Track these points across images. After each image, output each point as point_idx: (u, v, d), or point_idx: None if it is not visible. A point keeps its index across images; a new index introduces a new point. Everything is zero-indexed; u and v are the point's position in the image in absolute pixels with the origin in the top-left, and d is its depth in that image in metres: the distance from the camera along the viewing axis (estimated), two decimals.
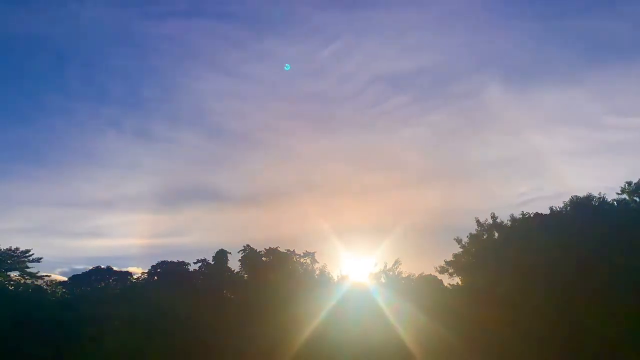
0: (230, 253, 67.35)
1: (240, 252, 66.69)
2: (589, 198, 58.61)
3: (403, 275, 65.66)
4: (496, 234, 61.71)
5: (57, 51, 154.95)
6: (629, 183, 58.16)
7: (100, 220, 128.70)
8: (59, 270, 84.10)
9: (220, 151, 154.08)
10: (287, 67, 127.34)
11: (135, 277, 70.89)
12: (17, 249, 66.71)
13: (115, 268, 73.61)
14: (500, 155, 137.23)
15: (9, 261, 65.98)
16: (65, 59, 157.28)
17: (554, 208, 60.04)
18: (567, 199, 60.03)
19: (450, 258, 63.49)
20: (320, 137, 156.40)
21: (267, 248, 66.38)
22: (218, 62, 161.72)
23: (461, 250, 62.72)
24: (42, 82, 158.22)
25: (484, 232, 62.07)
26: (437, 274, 64.55)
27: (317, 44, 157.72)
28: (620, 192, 58.84)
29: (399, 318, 55.13)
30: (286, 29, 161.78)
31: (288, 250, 66.82)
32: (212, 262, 66.46)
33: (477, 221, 62.64)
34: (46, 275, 69.03)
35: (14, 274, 66.75)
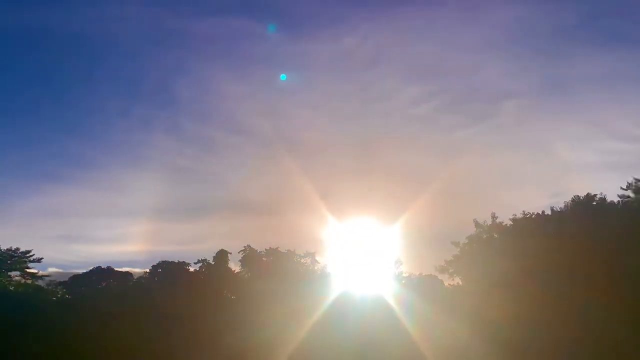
0: (230, 253, 67.59)
1: (241, 253, 66.87)
2: (589, 198, 58.39)
3: (404, 275, 65.82)
4: (496, 235, 61.49)
5: (91, 51, 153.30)
6: (637, 179, 57.51)
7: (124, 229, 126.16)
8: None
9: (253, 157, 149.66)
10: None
11: (135, 277, 70.96)
12: (17, 249, 66.77)
13: (115, 268, 73.72)
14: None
15: (9, 261, 66.03)
16: (98, 59, 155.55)
17: (555, 208, 59.94)
18: None
19: (450, 258, 63.44)
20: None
21: (268, 248, 66.58)
22: (251, 62, 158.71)
23: (460, 251, 62.55)
24: (75, 81, 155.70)
25: (483, 233, 61.84)
26: (437, 273, 64.59)
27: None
28: (625, 188, 58.33)
29: (400, 318, 55.04)
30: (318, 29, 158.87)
31: (288, 250, 66.98)
32: (213, 263, 66.56)
33: (475, 222, 62.40)
34: (46, 276, 69.17)
35: (14, 274, 66.85)
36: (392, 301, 57.71)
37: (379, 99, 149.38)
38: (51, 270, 73.15)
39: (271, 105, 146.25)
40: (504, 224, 61.72)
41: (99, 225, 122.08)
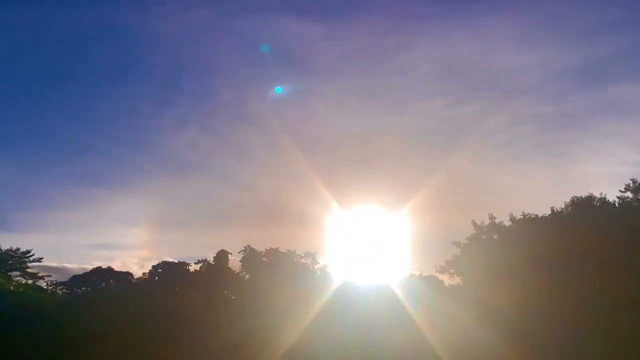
0: (231, 253, 67.56)
1: (241, 253, 66.86)
2: (590, 198, 58.46)
3: (405, 275, 65.90)
4: (495, 235, 61.50)
5: (130, 52, 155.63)
6: (634, 181, 57.77)
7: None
8: None
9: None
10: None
11: (135, 277, 71.02)
12: (17, 249, 66.96)
13: (115, 268, 73.78)
14: None
15: (9, 262, 66.07)
16: (136, 60, 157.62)
17: (555, 208, 59.96)
18: None
19: (450, 258, 63.48)
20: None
21: (268, 248, 66.58)
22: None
23: (460, 251, 62.58)
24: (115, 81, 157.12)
25: (483, 234, 61.84)
26: (437, 274, 64.66)
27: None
28: (623, 190, 58.52)
29: (400, 318, 55.04)
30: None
31: (289, 250, 67.00)
32: (213, 263, 66.55)
33: (474, 223, 62.38)
34: (47, 276, 69.19)
35: (14, 275, 66.83)
36: (393, 301, 57.67)
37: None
38: None
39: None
40: (503, 224, 61.74)
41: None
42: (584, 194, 58.91)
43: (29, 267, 67.33)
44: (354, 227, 78.10)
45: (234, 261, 67.11)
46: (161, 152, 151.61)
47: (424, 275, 66.09)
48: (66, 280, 71.31)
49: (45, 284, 68.25)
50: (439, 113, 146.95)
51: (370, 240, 75.73)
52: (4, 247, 66.14)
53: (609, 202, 58.01)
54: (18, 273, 66.77)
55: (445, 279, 64.34)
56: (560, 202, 60.06)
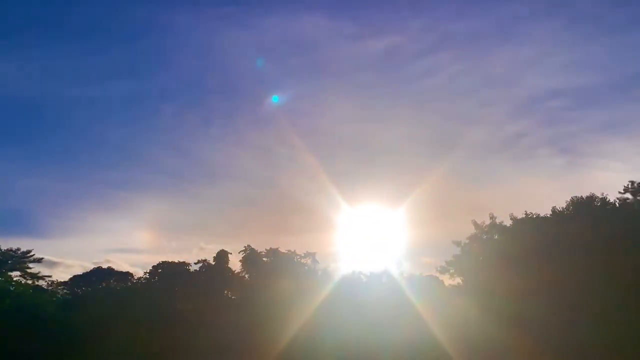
0: (231, 253, 67.53)
1: (241, 253, 66.83)
2: (591, 198, 58.33)
3: (404, 275, 65.73)
4: (496, 235, 61.35)
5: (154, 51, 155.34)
6: (632, 182, 57.76)
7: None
8: None
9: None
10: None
11: (136, 277, 70.97)
12: (18, 249, 66.82)
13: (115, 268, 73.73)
14: None
15: (9, 262, 66.01)
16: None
17: (556, 208, 59.81)
18: None
19: (450, 258, 63.35)
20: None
21: (268, 248, 66.55)
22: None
23: (461, 251, 62.45)
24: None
25: (483, 234, 61.71)
26: (437, 274, 64.52)
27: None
28: (622, 192, 58.47)
29: (401, 318, 54.97)
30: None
31: (289, 250, 67.00)
32: (213, 263, 66.50)
33: (474, 223, 62.27)
34: (47, 276, 69.13)
35: (15, 275, 66.81)
36: (393, 301, 57.58)
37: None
38: None
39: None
40: (503, 224, 61.61)
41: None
42: (584, 193, 58.93)
43: (29, 267, 67.26)
44: (361, 223, 78.80)
45: (234, 261, 67.18)
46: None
47: (424, 275, 65.99)
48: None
49: (45, 284, 68.21)
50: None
51: (375, 237, 76.30)
52: (4, 248, 66.19)
53: (609, 202, 57.91)
54: (18, 273, 66.72)
55: (446, 279, 64.30)
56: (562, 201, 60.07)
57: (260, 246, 67.14)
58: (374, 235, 77.43)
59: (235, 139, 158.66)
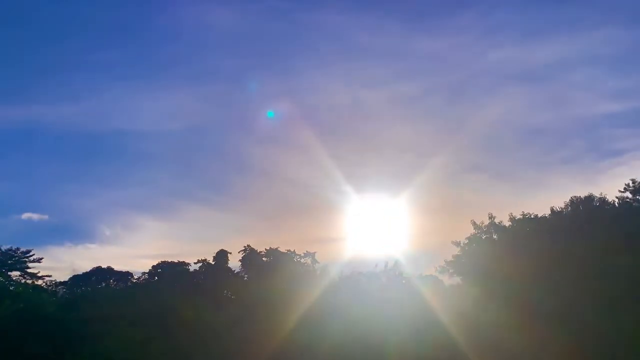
0: (230, 253, 67.59)
1: (241, 253, 66.93)
2: (590, 198, 58.43)
3: (404, 275, 65.77)
4: (495, 235, 61.42)
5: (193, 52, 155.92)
6: (633, 181, 57.74)
7: None
8: None
9: None
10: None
11: (135, 277, 71.08)
12: (17, 249, 66.90)
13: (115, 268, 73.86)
14: None
15: (9, 261, 66.05)
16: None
17: (555, 208, 59.94)
18: None
19: (450, 258, 63.41)
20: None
21: (268, 248, 66.65)
22: None
23: (460, 251, 62.53)
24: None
25: (482, 234, 61.78)
26: (437, 274, 64.57)
27: None
28: (622, 190, 58.45)
29: (401, 318, 55.01)
30: None
31: (289, 250, 67.11)
32: (213, 263, 66.58)
33: (473, 223, 62.36)
34: (47, 276, 69.16)
35: (14, 274, 66.85)
36: (393, 301, 57.63)
37: None
38: None
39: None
40: (502, 224, 61.68)
41: None
42: (583, 193, 59.04)
43: (29, 267, 67.33)
44: (366, 212, 79.08)
45: (234, 261, 67.29)
46: None
47: (424, 275, 66.11)
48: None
49: (45, 284, 68.25)
50: None
51: (377, 227, 76.51)
52: (4, 247, 66.24)
53: (608, 202, 57.99)
54: (18, 273, 66.75)
55: (445, 279, 64.38)
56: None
57: (260, 246, 67.36)
58: (376, 227, 77.65)
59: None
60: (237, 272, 66.86)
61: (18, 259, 66.64)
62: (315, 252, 67.45)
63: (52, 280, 69.45)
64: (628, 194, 57.76)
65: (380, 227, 77.67)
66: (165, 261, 67.79)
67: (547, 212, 60.18)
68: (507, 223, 61.21)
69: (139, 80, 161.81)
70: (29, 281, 66.88)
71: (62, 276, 71.83)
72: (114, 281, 71.14)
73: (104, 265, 73.92)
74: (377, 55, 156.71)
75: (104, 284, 70.85)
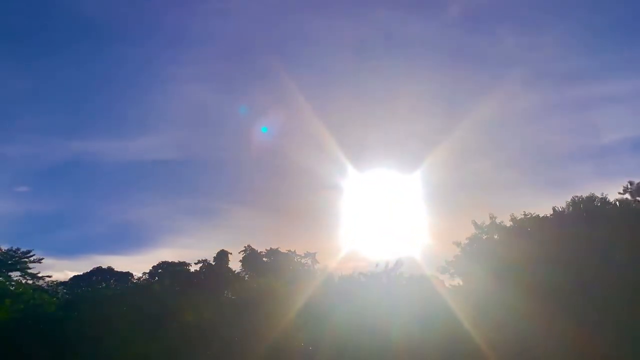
0: (231, 253, 67.58)
1: (241, 253, 66.91)
2: (591, 198, 58.31)
3: (405, 276, 65.64)
4: (496, 235, 61.29)
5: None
6: (631, 183, 57.78)
7: None
8: None
9: None
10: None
11: (136, 277, 71.04)
12: (18, 249, 66.83)
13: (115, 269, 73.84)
14: None
15: (9, 262, 66.02)
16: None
17: (556, 208, 59.81)
18: None
19: (451, 258, 63.31)
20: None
21: (268, 249, 66.67)
22: None
23: (461, 251, 62.41)
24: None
25: (483, 234, 61.66)
26: (438, 274, 64.43)
27: None
28: (622, 192, 58.46)
29: (401, 319, 54.92)
30: None
31: (289, 250, 67.10)
32: (213, 263, 66.56)
33: (474, 223, 62.22)
34: (47, 276, 69.15)
35: (15, 275, 66.83)
36: (393, 302, 57.52)
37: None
38: None
39: None
40: (503, 224, 61.55)
41: None
42: (585, 193, 58.91)
43: (29, 267, 67.26)
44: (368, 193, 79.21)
45: (234, 261, 67.28)
46: None
47: (424, 275, 65.90)
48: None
49: (45, 284, 68.21)
50: None
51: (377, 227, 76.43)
52: (4, 248, 66.22)
53: (609, 202, 57.88)
54: (18, 273, 66.71)
55: (446, 279, 64.22)
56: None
57: (261, 246, 67.37)
58: (376, 227, 77.55)
59: None
60: (238, 273, 66.83)
61: (18, 260, 66.61)
62: (315, 253, 67.50)
63: (52, 281, 69.56)
64: (627, 196, 57.81)
65: (380, 227, 77.24)
66: (165, 261, 67.80)
67: (549, 212, 60.16)
68: (508, 223, 61.12)
69: None
70: (30, 281, 66.91)
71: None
72: (114, 281, 71.12)
73: (104, 266, 74.03)
74: None
75: (103, 284, 70.82)
